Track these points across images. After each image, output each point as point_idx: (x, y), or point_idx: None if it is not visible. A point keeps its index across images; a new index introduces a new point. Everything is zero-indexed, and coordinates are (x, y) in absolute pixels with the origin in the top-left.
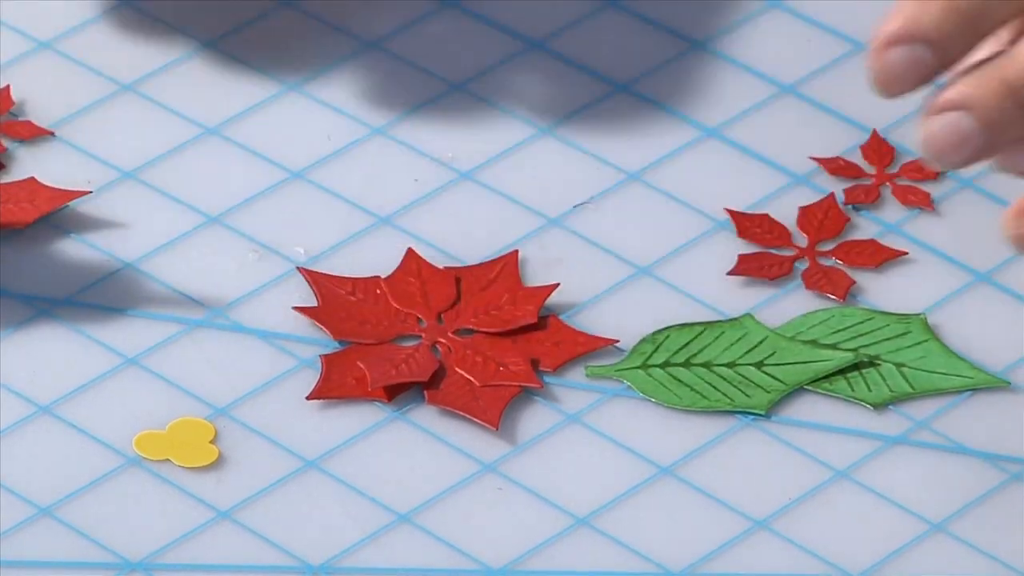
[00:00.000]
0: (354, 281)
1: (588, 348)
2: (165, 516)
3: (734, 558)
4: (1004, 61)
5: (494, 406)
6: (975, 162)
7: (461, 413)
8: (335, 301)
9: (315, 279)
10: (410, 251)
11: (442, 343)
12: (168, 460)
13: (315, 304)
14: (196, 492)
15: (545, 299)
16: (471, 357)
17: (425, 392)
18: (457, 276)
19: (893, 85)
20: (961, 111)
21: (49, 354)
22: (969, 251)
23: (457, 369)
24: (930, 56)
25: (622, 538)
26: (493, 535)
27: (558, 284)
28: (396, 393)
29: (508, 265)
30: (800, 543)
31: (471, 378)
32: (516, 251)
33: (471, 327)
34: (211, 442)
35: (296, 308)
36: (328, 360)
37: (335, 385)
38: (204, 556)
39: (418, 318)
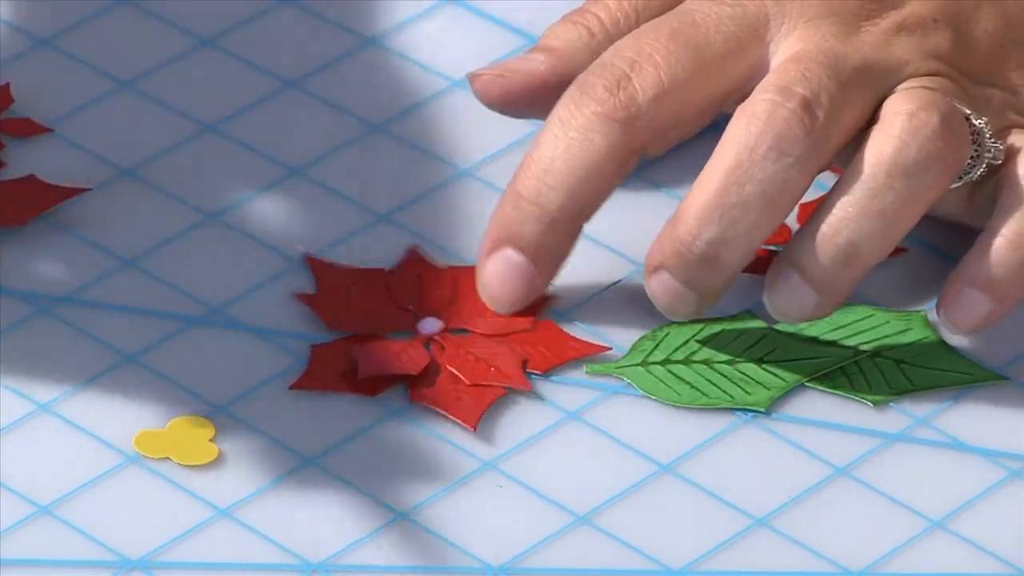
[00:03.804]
0: (356, 271)
1: (580, 353)
2: (165, 514)
3: (734, 555)
4: (537, 194)
5: (476, 407)
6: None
7: (441, 411)
8: (335, 290)
9: (318, 267)
10: (413, 248)
11: (436, 340)
12: (168, 458)
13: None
14: (196, 490)
15: (543, 308)
16: (463, 355)
17: (410, 389)
18: (458, 275)
19: (499, 295)
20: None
21: (48, 352)
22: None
23: (448, 367)
24: (531, 266)
25: (622, 536)
26: (493, 533)
27: (558, 296)
28: (381, 387)
29: None
30: (800, 540)
31: (461, 376)
32: None
33: (467, 328)
34: (211, 440)
35: (297, 295)
36: (316, 350)
37: (320, 376)
38: (204, 554)
39: (414, 314)
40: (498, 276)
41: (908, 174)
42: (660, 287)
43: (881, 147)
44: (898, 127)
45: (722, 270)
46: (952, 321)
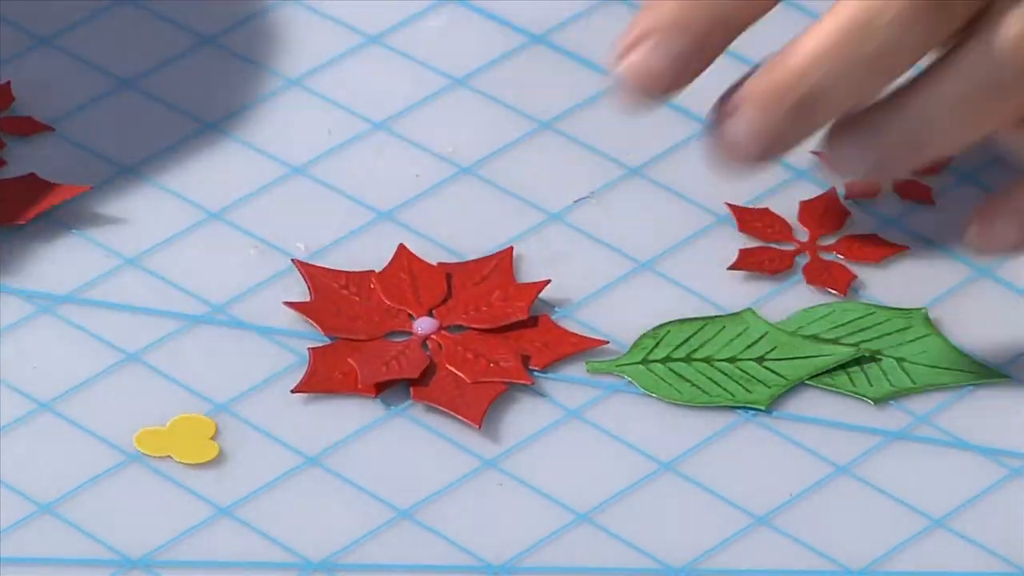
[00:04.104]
0: (348, 275)
1: (578, 348)
2: (165, 513)
3: (735, 554)
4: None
5: (479, 404)
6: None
7: (445, 410)
8: (328, 295)
9: (309, 272)
10: (401, 247)
11: (433, 339)
12: (169, 457)
13: (310, 299)
14: (197, 489)
15: (536, 295)
16: (462, 353)
17: (411, 388)
18: (449, 272)
19: (649, 88)
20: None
21: (49, 350)
22: (972, 244)
23: (447, 366)
24: (685, 46)
25: (623, 534)
26: (494, 531)
27: (549, 280)
28: (384, 388)
29: (502, 262)
30: (801, 539)
31: (461, 375)
32: (511, 248)
33: (462, 323)
34: (212, 439)
35: (286, 303)
36: (316, 353)
37: (321, 379)
38: (204, 553)
39: (409, 314)
40: (642, 66)
41: (1009, 83)
42: (735, 130)
43: (993, 47)
44: (1018, 28)
45: (808, 122)
46: (979, 242)
